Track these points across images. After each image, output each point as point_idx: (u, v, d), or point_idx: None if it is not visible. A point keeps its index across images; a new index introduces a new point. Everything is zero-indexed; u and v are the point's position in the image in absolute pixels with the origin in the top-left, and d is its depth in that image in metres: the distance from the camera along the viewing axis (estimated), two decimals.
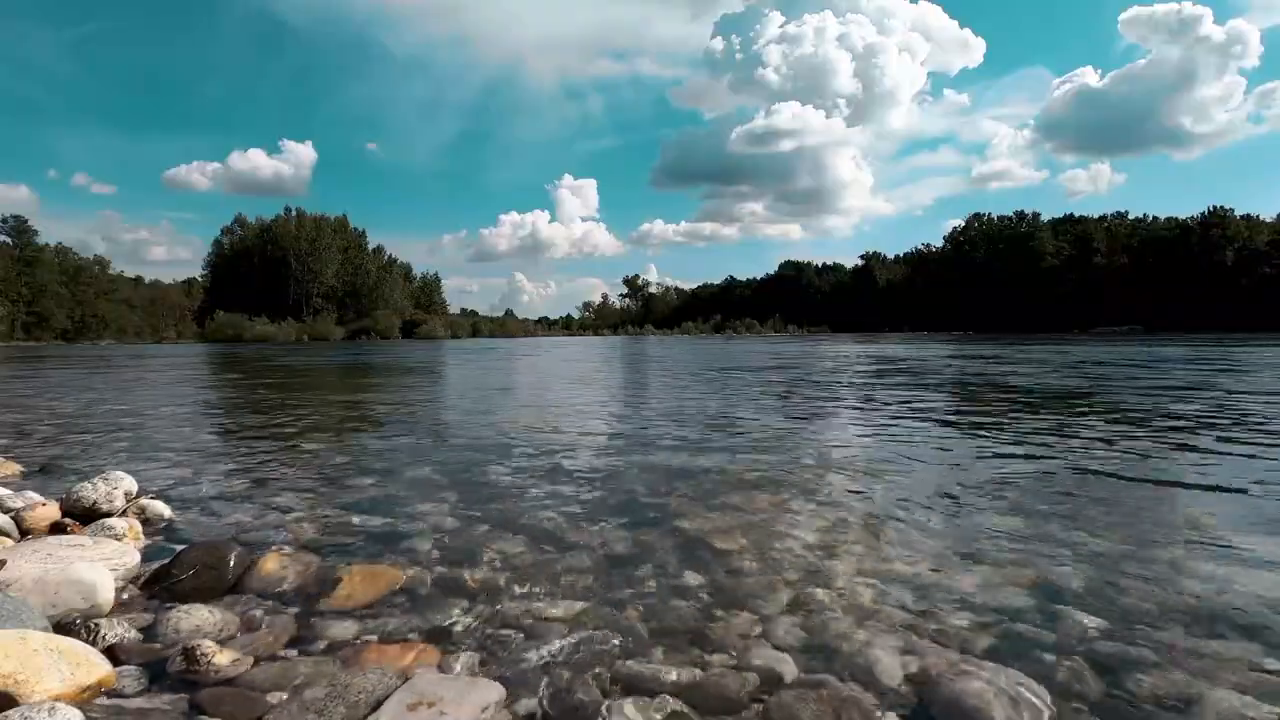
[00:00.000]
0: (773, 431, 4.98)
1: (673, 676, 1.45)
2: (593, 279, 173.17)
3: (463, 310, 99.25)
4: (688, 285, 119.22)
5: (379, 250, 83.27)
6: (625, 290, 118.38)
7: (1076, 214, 78.98)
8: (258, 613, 1.78)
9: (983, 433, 4.80)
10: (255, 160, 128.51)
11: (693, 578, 2.02)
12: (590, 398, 8.01)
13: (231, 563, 2.03)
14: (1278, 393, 7.33)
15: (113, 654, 1.50)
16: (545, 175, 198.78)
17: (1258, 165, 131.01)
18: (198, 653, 1.48)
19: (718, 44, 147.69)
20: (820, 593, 1.90)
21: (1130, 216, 76.29)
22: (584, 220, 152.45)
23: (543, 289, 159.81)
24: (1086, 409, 6.19)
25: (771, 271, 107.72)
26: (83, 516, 2.45)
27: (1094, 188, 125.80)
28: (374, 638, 1.64)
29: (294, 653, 1.57)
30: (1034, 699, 1.34)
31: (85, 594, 1.71)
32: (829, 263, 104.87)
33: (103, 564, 1.86)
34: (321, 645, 1.61)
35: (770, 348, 25.01)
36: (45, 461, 3.86)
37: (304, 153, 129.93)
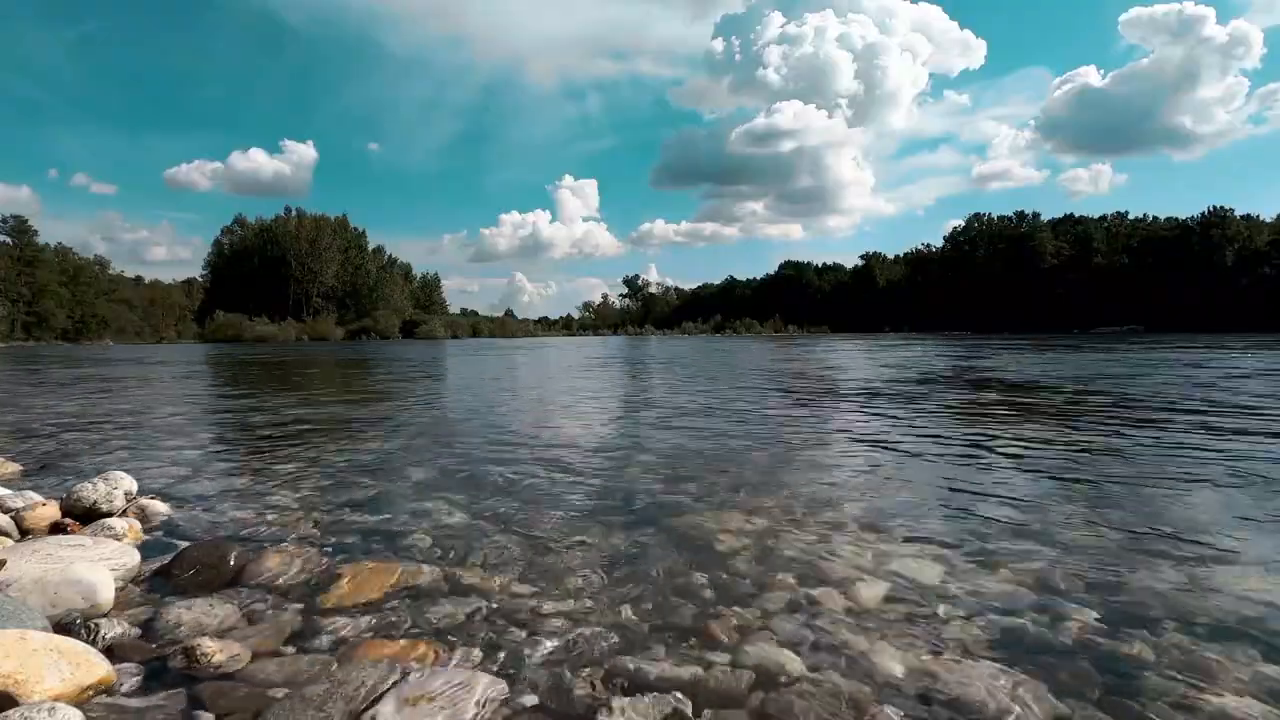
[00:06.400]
0: (774, 432, 4.98)
1: (672, 673, 1.45)
2: (593, 279, 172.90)
3: (463, 310, 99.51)
4: (688, 285, 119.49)
5: (379, 250, 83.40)
6: (625, 290, 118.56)
7: (1076, 214, 79.11)
8: (258, 609, 1.78)
9: (984, 434, 4.80)
10: (256, 160, 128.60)
11: (693, 576, 2.02)
12: (590, 397, 8.01)
13: (231, 561, 2.03)
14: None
15: (112, 653, 1.51)
16: (545, 175, 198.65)
17: (1258, 165, 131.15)
18: (198, 651, 1.48)
19: (718, 44, 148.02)
20: (821, 591, 1.90)
21: (1130, 216, 76.29)
22: (584, 220, 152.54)
23: (543, 289, 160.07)
24: (1089, 410, 6.19)
25: (772, 271, 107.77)
26: (83, 516, 2.45)
27: (1094, 188, 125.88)
28: (373, 634, 1.65)
29: (294, 649, 1.58)
30: (1035, 698, 1.34)
31: (85, 594, 1.71)
32: (829, 263, 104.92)
33: (102, 564, 1.86)
34: (321, 641, 1.61)
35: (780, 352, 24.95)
36: (45, 461, 3.87)
37: (305, 153, 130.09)
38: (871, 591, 1.90)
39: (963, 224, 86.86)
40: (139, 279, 79.31)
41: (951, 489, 3.08)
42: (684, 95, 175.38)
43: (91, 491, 2.53)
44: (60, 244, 65.09)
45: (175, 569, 1.99)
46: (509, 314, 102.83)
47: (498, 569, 2.08)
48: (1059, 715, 1.30)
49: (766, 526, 2.51)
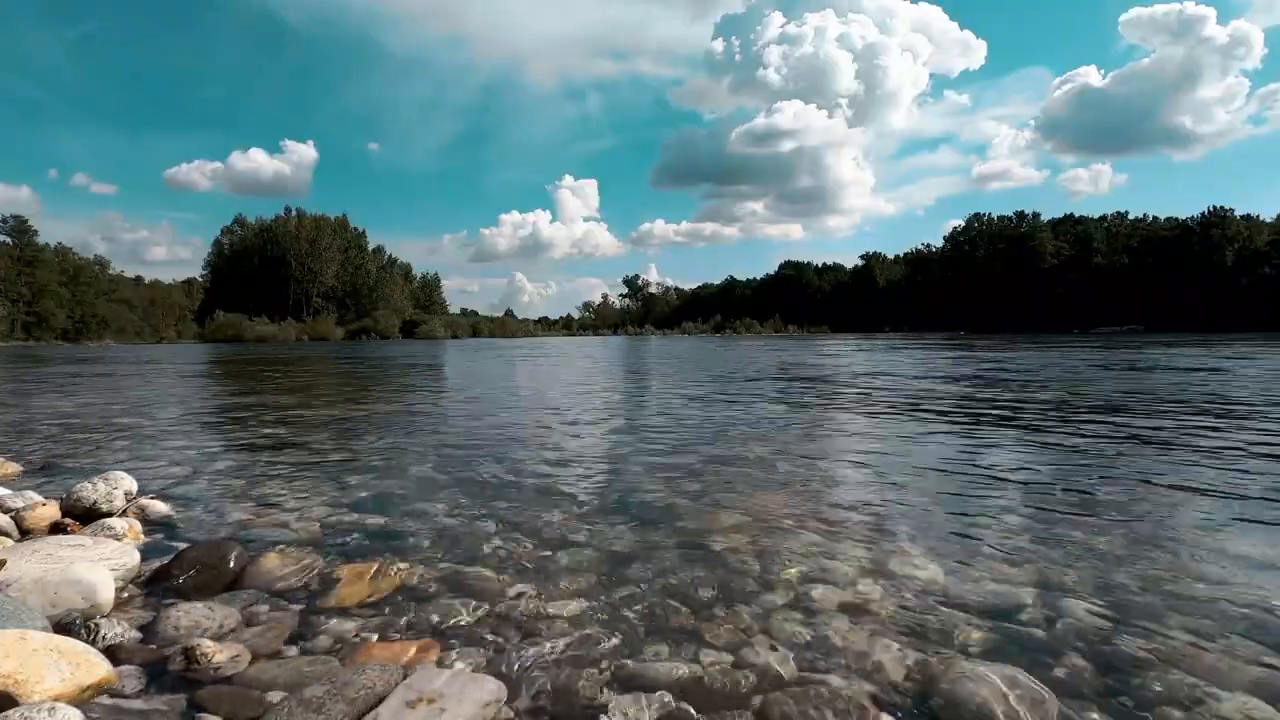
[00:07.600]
0: (773, 432, 4.98)
1: (672, 674, 1.45)
2: (593, 279, 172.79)
3: (463, 310, 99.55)
4: (688, 285, 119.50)
5: (379, 250, 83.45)
6: (625, 290, 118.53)
7: (1076, 214, 79.11)
8: (258, 610, 1.78)
9: (983, 435, 4.80)
10: (256, 160, 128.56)
11: (692, 576, 2.02)
12: (590, 396, 8.00)
13: (231, 561, 2.03)
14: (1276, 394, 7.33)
15: (113, 654, 1.50)
16: (545, 175, 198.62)
17: (1258, 165, 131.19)
18: (197, 652, 1.48)
19: (718, 45, 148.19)
20: (820, 592, 1.90)
21: (1130, 216, 76.27)
22: (584, 220, 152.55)
23: (543, 289, 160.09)
24: (1084, 411, 6.19)
25: (772, 271, 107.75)
26: (83, 516, 2.45)
27: (1094, 188, 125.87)
28: (374, 635, 1.65)
29: (294, 650, 1.58)
30: (1035, 698, 1.34)
31: (85, 594, 1.71)
32: (829, 263, 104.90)
33: (102, 564, 1.86)
34: (322, 643, 1.61)
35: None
36: (45, 461, 3.86)
37: (305, 152, 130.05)
38: (871, 591, 1.90)
39: (963, 224, 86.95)
40: (139, 279, 79.27)
41: (949, 488, 3.08)
42: (684, 95, 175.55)
43: (91, 491, 2.53)
44: (60, 244, 65.12)
45: (175, 569, 1.99)
46: (509, 314, 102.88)
47: (498, 569, 2.08)
48: (1059, 715, 1.30)
49: (766, 526, 2.51)
